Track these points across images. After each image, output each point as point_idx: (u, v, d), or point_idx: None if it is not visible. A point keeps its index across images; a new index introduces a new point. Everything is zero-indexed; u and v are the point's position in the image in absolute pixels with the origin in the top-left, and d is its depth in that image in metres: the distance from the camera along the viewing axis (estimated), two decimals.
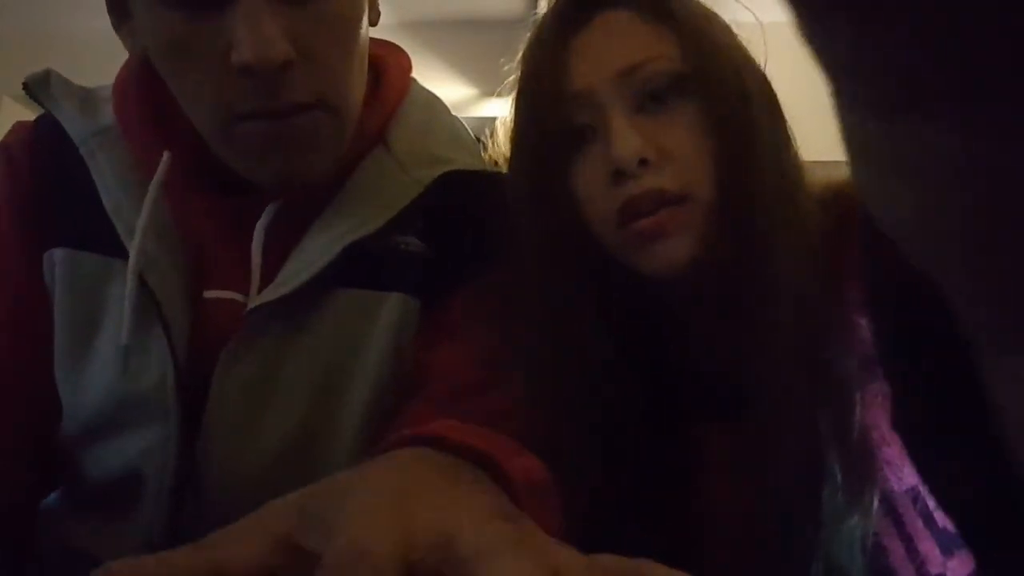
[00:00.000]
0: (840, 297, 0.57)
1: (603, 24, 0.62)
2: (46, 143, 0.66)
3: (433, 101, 0.74)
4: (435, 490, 0.33)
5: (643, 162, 0.57)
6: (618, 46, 0.60)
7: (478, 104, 3.02)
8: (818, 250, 0.57)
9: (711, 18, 0.63)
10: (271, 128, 0.56)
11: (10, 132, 0.69)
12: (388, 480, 0.34)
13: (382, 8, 0.66)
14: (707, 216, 0.58)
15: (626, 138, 0.57)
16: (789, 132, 0.63)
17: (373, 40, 0.67)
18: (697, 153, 0.58)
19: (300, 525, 0.30)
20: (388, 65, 0.70)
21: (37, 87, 0.66)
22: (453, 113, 0.76)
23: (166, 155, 0.61)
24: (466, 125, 0.75)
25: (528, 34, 0.65)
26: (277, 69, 0.53)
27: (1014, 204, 0.15)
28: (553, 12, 0.64)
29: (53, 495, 0.69)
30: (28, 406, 0.64)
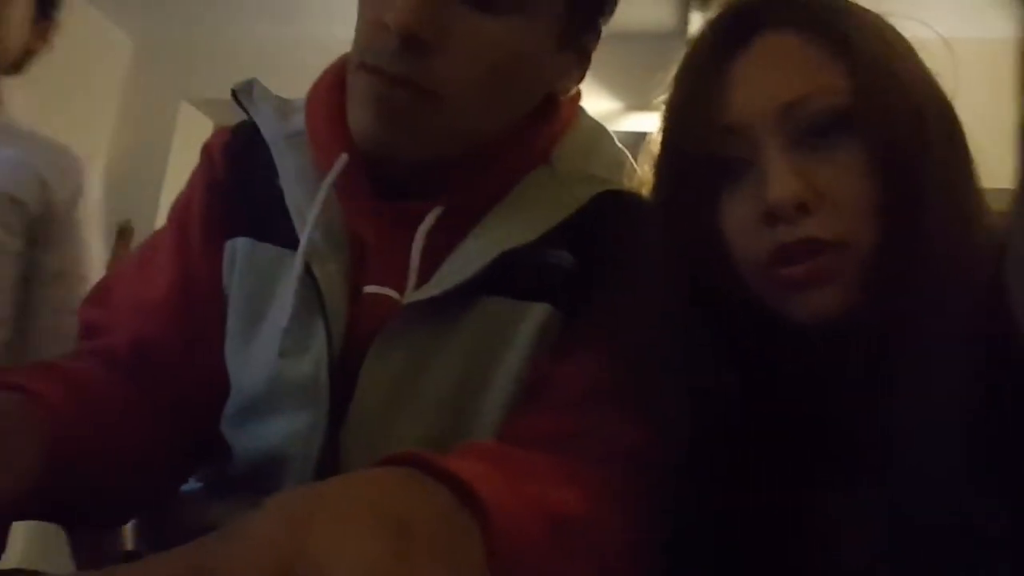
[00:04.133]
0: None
1: (765, 48, 0.58)
2: (241, 145, 0.73)
3: (599, 129, 0.76)
4: (336, 519, 0.33)
5: (800, 207, 0.53)
6: (781, 76, 0.56)
7: (623, 118, 3.00)
8: (992, 305, 0.50)
9: (890, 41, 0.57)
10: (376, 85, 0.60)
11: (212, 135, 0.77)
12: (284, 511, 0.33)
13: None
14: (865, 263, 0.53)
15: (784, 181, 0.53)
16: (971, 168, 0.56)
17: None
18: (860, 196, 0.53)
19: None
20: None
21: (242, 93, 0.73)
22: (622, 148, 0.76)
23: (343, 156, 0.65)
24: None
25: (679, 50, 0.62)
26: (408, 39, 0.57)
27: None
28: (710, 31, 0.61)
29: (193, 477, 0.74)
30: (192, 385, 0.69)
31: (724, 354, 0.58)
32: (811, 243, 0.53)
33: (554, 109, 0.71)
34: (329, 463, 0.62)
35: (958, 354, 0.49)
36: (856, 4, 0.60)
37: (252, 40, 3.37)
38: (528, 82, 0.66)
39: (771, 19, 0.59)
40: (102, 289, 0.76)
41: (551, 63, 0.67)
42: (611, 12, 0.70)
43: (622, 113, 2.98)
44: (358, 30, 0.63)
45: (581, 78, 0.71)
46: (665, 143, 0.62)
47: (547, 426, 0.59)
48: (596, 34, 0.70)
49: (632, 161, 0.73)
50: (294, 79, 0.75)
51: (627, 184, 0.70)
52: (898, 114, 0.53)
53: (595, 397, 0.60)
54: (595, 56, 0.71)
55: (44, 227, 0.99)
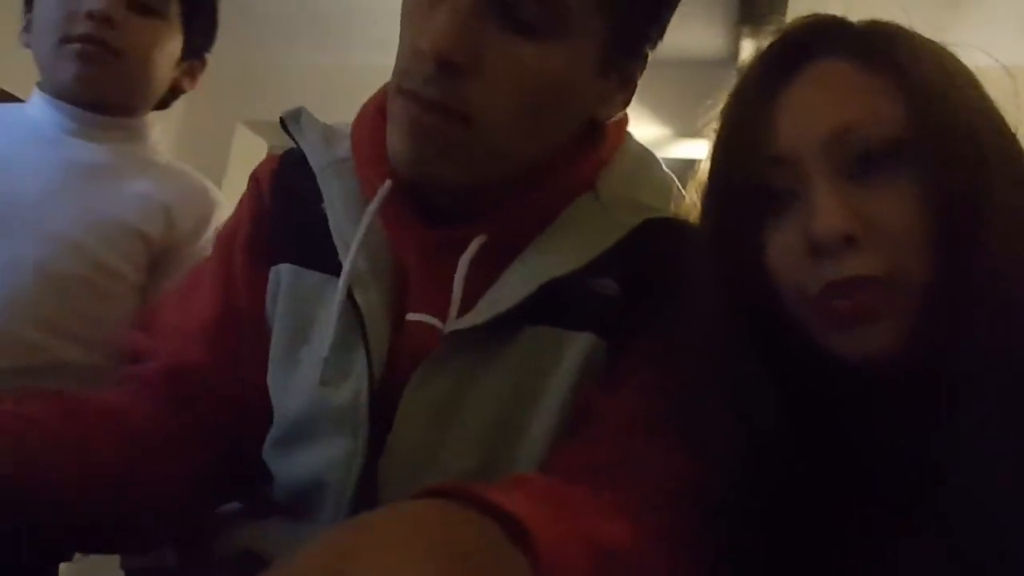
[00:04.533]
0: None
1: (815, 75, 0.56)
2: (288, 172, 0.74)
3: (646, 155, 0.74)
4: (385, 551, 0.32)
5: (848, 239, 0.51)
6: (830, 103, 0.54)
7: (673, 144, 2.99)
8: None
9: (948, 69, 0.55)
10: (410, 109, 0.60)
11: (261, 163, 0.78)
12: (333, 541, 0.33)
13: None
14: (919, 301, 0.51)
15: (831, 212, 0.51)
16: None
17: None
18: (913, 229, 0.51)
19: None
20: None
21: (290, 121, 0.74)
22: (670, 173, 0.75)
23: (387, 183, 0.65)
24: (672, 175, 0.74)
25: (730, 77, 0.61)
26: (442, 63, 0.57)
27: None
28: (760, 59, 0.60)
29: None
30: (230, 409, 0.70)
31: (776, 387, 0.57)
32: (858, 281, 0.51)
33: (599, 135, 0.70)
34: (368, 491, 0.62)
35: (1021, 398, 0.47)
36: (912, 31, 0.58)
37: (307, 66, 3.44)
38: (567, 107, 0.65)
39: (822, 47, 0.58)
40: (149, 315, 0.77)
41: (592, 89, 0.65)
42: (658, 38, 0.68)
43: (672, 140, 2.97)
44: (398, 55, 0.63)
45: (625, 104, 0.70)
46: (713, 173, 0.61)
47: (594, 457, 0.58)
48: (641, 60, 0.68)
49: (680, 187, 0.72)
50: (347, 105, 0.76)
51: (674, 211, 0.68)
52: (954, 144, 0.52)
53: (642, 428, 0.59)
54: (645, 82, 0.70)
55: (164, 256, 1.01)
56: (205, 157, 3.37)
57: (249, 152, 3.42)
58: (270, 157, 0.78)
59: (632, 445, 0.58)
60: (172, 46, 1.02)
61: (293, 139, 0.73)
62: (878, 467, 0.55)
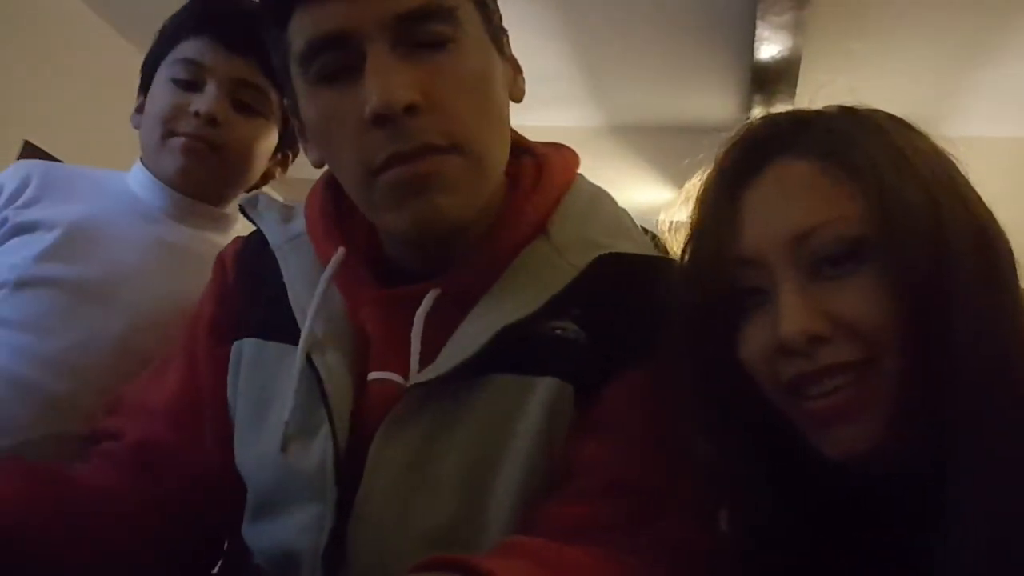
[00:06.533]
0: None
1: (776, 177, 0.58)
2: (251, 252, 0.77)
3: (598, 194, 0.74)
4: None
5: (814, 339, 0.52)
6: (790, 207, 0.56)
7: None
8: None
9: (909, 161, 0.55)
10: (405, 171, 0.60)
11: (227, 245, 0.81)
12: None
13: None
14: (896, 391, 0.51)
15: (794, 316, 0.52)
16: (1009, 274, 0.54)
17: (541, 142, 0.74)
18: (882, 321, 0.51)
19: None
20: (551, 160, 0.72)
21: (248, 206, 0.77)
22: (624, 210, 0.75)
23: (340, 250, 0.67)
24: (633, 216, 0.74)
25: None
26: (403, 113, 0.58)
27: None
28: (723, 161, 0.62)
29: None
30: (193, 484, 0.70)
31: (762, 441, 0.57)
32: (829, 369, 0.52)
33: (546, 178, 0.71)
34: (339, 554, 0.61)
35: (1016, 484, 0.47)
36: (874, 122, 0.59)
37: None
38: (500, 93, 0.67)
39: (782, 147, 0.59)
40: (116, 399, 0.78)
41: (503, 71, 0.68)
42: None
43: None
44: (340, 165, 0.65)
45: (523, 81, 0.72)
46: (683, 271, 0.62)
47: (583, 517, 0.57)
48: (507, 35, 0.70)
49: (634, 221, 0.73)
50: None
51: (630, 245, 0.68)
52: (914, 240, 0.52)
53: (629, 486, 0.58)
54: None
55: None
56: None
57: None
58: (235, 239, 0.81)
59: (620, 505, 0.57)
60: (270, 142, 1.06)
61: (252, 221, 0.76)
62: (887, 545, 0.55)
